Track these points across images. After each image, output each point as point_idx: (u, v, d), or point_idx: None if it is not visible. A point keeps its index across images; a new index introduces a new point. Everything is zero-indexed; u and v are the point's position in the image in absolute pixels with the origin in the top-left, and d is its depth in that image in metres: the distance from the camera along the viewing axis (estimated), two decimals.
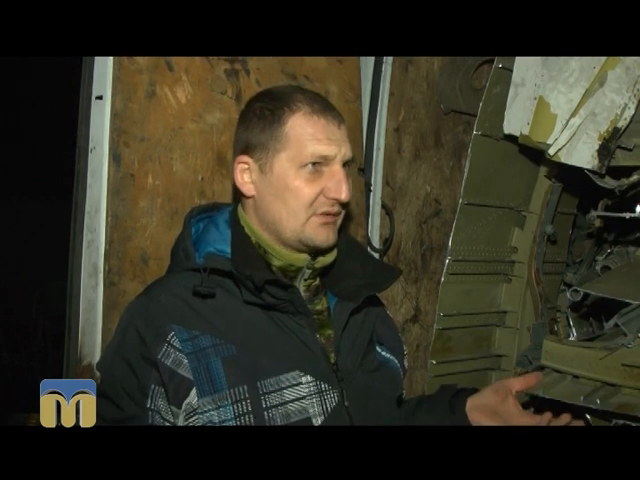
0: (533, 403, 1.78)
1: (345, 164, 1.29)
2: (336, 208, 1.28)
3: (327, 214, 1.27)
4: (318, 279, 1.36)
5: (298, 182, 1.25)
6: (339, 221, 1.32)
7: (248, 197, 1.32)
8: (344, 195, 1.26)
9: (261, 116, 1.29)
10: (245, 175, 1.31)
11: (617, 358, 1.73)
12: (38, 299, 5.47)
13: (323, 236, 1.28)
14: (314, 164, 1.25)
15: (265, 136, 1.27)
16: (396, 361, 1.44)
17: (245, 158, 1.30)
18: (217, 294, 1.25)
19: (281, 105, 1.28)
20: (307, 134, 1.25)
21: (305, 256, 1.31)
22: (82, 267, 1.59)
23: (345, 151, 1.28)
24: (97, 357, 1.57)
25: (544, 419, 1.42)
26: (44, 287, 5.21)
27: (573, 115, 1.78)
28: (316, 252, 1.32)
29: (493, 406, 1.44)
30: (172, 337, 1.21)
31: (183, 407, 1.19)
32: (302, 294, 1.32)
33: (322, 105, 1.29)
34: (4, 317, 5.21)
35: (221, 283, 1.26)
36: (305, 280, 1.33)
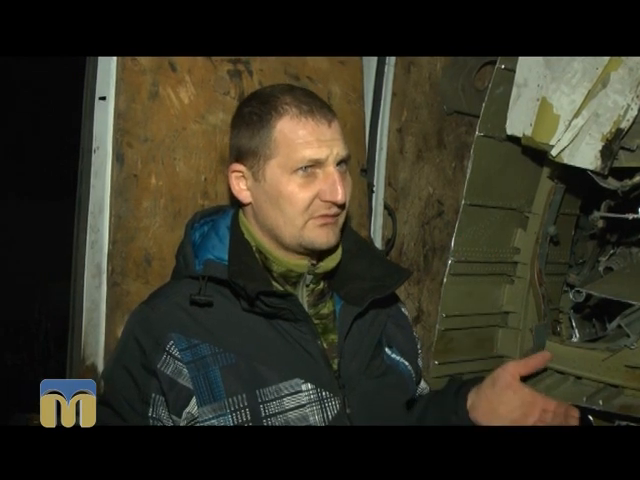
0: None
1: (340, 163, 1.25)
2: (333, 210, 1.24)
3: (325, 216, 1.24)
4: (323, 283, 1.33)
5: (291, 188, 1.22)
6: (340, 221, 1.29)
7: (246, 204, 1.30)
8: (340, 197, 1.22)
9: (249, 122, 1.26)
10: (241, 183, 1.29)
11: (620, 359, 1.73)
12: (41, 299, 5.47)
13: (323, 238, 1.25)
14: (306, 168, 1.22)
15: (255, 142, 1.25)
16: (406, 363, 1.40)
17: (238, 166, 1.28)
18: (216, 301, 1.24)
19: (268, 109, 1.24)
20: (296, 138, 1.21)
21: (305, 262, 1.29)
22: (85, 267, 1.59)
23: (337, 151, 1.23)
24: (100, 357, 1.57)
25: (550, 405, 1.28)
26: (47, 287, 5.20)
27: (576, 116, 1.78)
28: (318, 255, 1.30)
29: (491, 401, 1.31)
30: (171, 346, 1.21)
31: (183, 416, 1.19)
32: (305, 299, 1.30)
33: (310, 105, 1.24)
34: (6, 317, 5.21)
35: (220, 290, 1.25)
36: (307, 285, 1.31)
